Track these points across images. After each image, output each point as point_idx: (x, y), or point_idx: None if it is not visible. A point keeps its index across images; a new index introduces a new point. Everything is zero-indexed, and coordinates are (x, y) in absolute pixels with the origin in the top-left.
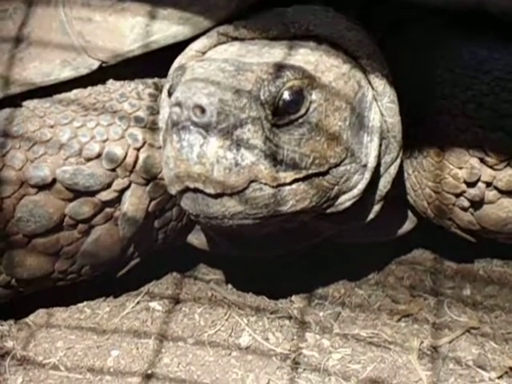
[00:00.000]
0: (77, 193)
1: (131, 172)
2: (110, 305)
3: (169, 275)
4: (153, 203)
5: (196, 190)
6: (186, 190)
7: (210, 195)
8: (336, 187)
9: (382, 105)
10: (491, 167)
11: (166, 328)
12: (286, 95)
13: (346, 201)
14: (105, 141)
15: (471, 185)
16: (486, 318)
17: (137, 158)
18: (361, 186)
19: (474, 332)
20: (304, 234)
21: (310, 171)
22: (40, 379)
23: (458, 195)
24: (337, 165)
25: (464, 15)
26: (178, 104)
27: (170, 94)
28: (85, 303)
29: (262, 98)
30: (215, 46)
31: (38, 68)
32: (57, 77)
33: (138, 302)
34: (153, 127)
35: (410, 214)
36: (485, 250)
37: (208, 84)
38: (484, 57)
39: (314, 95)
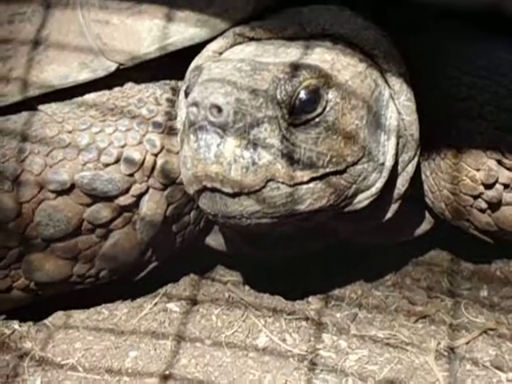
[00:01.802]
0: (95, 198)
1: (149, 177)
2: (127, 306)
3: (186, 276)
4: (170, 208)
5: (214, 190)
6: (204, 189)
7: (227, 194)
8: (353, 186)
9: (399, 103)
10: (509, 169)
11: (183, 329)
12: (303, 94)
13: (363, 199)
14: (123, 146)
15: (489, 186)
16: (503, 319)
17: (155, 163)
18: (378, 184)
19: (491, 333)
20: (321, 234)
21: (328, 170)
22: (58, 380)
23: (475, 197)
24: (354, 163)
25: (479, 17)
26: (195, 104)
27: (186, 95)
28: (103, 304)
29: (279, 97)
30: (232, 46)
31: (55, 70)
32: (75, 79)
33: (155, 304)
34: (170, 132)
35: (426, 214)
36: (501, 251)
37: (225, 84)
38: (501, 59)
39: (331, 94)
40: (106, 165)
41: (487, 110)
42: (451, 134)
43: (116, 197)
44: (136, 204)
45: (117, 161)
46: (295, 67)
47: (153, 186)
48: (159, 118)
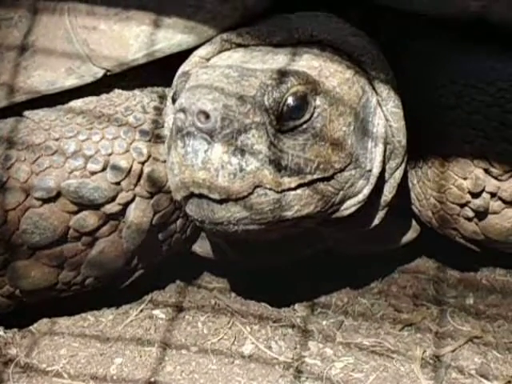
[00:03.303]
0: (81, 205)
1: (136, 185)
2: (113, 312)
3: (172, 283)
4: (157, 216)
5: (201, 196)
6: (191, 195)
7: (215, 201)
8: (341, 192)
9: (386, 110)
10: (496, 178)
11: (169, 336)
12: (290, 101)
13: (350, 206)
14: (110, 154)
15: (476, 195)
16: (488, 327)
17: (141, 171)
18: (366, 191)
19: (476, 341)
20: (309, 241)
21: (315, 176)
22: None
23: (462, 205)
24: (341, 170)
25: (467, 26)
26: (183, 110)
27: (174, 101)
28: (88, 311)
29: (266, 103)
30: (219, 52)
31: (42, 76)
32: (61, 85)
33: (141, 310)
34: (157, 141)
35: (413, 222)
36: (488, 259)
37: (212, 90)
38: (488, 68)
39: (318, 100)
40: (93, 173)
41: (475, 118)
42: (439, 142)
43: (102, 205)
44: (122, 212)
45: (103, 169)
46: (283, 73)
47: (139, 194)
48: (146, 127)
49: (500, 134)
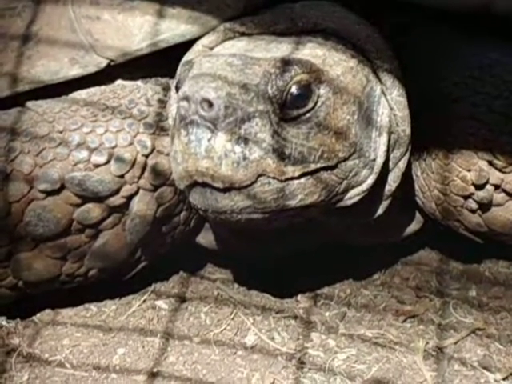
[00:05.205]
0: (85, 198)
1: (139, 178)
2: (116, 303)
3: (175, 274)
4: (160, 209)
5: (204, 185)
6: (195, 184)
7: (218, 189)
8: (345, 182)
9: (391, 98)
10: (500, 170)
11: (171, 326)
12: (294, 89)
13: (354, 195)
14: (114, 147)
15: (479, 187)
16: (491, 319)
17: (145, 164)
18: (370, 180)
19: (479, 333)
20: (312, 231)
21: (319, 165)
22: (46, 376)
23: (466, 197)
24: (345, 159)
25: (470, 17)
26: (186, 98)
27: (177, 90)
28: (91, 301)
29: (270, 92)
30: (223, 41)
31: (46, 66)
32: (65, 75)
33: (144, 301)
34: (161, 133)
35: (416, 214)
36: (491, 252)
37: (215, 78)
38: (493, 60)
39: (322, 89)
40: (97, 165)
41: (479, 110)
42: (443, 134)
43: (106, 197)
44: (126, 205)
45: (107, 161)
46: (286, 62)
47: (143, 187)
48: (150, 119)
49: (504, 126)
